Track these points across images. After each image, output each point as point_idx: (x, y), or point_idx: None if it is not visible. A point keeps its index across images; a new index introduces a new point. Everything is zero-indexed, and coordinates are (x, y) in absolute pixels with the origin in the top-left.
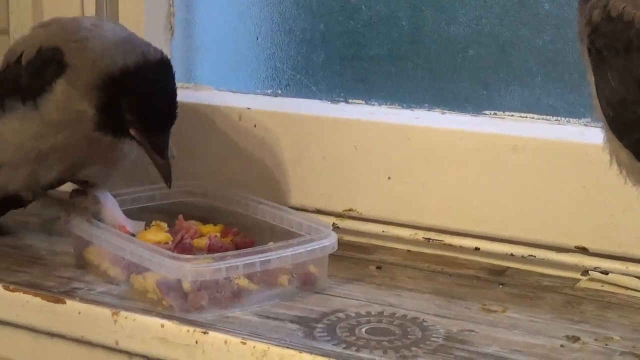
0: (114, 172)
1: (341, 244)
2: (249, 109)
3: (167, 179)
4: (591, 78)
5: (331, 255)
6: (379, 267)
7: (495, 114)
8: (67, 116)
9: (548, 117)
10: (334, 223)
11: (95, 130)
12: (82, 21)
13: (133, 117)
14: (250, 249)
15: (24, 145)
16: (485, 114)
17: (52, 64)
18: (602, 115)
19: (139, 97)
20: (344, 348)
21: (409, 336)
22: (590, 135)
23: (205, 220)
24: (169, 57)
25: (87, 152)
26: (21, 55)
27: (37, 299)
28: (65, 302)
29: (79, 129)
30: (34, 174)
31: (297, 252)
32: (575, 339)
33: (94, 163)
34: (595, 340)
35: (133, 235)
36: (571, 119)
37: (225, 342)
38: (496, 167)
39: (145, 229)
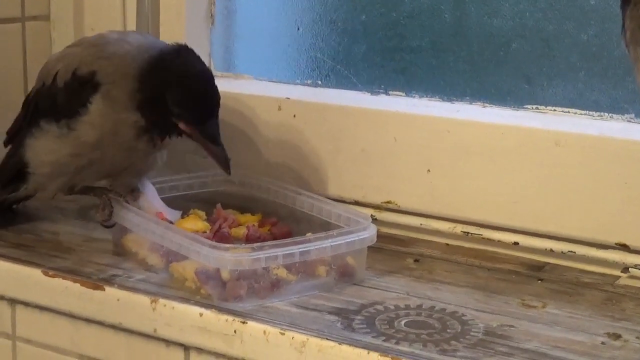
0: (145, 177)
1: (379, 236)
2: (289, 99)
3: (226, 166)
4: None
5: (369, 247)
6: (416, 260)
7: (537, 108)
8: (103, 133)
9: (591, 113)
10: (372, 215)
11: (138, 138)
12: (108, 36)
13: (180, 108)
14: (289, 240)
15: (60, 163)
16: (527, 108)
17: (88, 86)
18: None
19: (181, 86)
20: (384, 340)
21: (448, 330)
22: (633, 132)
23: (243, 210)
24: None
25: (122, 163)
26: (56, 75)
27: (77, 285)
28: (104, 289)
29: (117, 142)
30: (68, 184)
31: (336, 243)
32: (617, 337)
33: (128, 173)
34: (637, 338)
35: (171, 223)
36: (614, 115)
37: (264, 332)
38: (537, 162)
39: (183, 218)
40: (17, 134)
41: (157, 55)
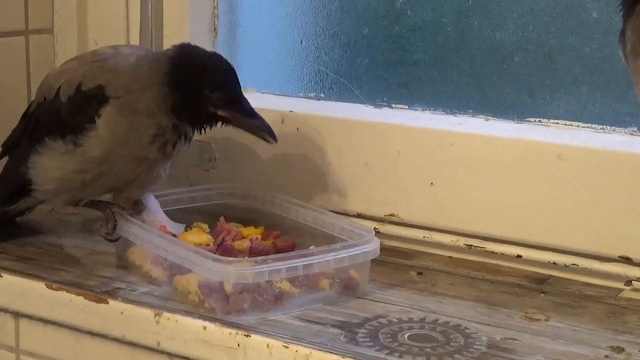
0: (149, 191)
1: (382, 249)
2: (292, 112)
3: (272, 134)
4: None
5: (372, 260)
6: (420, 273)
7: (540, 121)
8: (112, 146)
9: (593, 126)
10: (375, 228)
11: (151, 145)
12: (104, 52)
13: (219, 92)
14: (292, 253)
15: (66, 179)
16: (529, 121)
17: (94, 100)
18: None
19: (214, 69)
20: (387, 354)
21: (451, 343)
22: (636, 145)
23: (246, 223)
24: None
25: (128, 176)
26: (59, 90)
27: (80, 298)
28: (107, 302)
29: (127, 153)
30: (73, 199)
31: (339, 256)
32: (620, 350)
33: (132, 187)
34: None
35: (174, 236)
36: (617, 128)
37: (268, 345)
38: (540, 174)
39: (186, 231)
40: (15, 147)
41: (176, 56)
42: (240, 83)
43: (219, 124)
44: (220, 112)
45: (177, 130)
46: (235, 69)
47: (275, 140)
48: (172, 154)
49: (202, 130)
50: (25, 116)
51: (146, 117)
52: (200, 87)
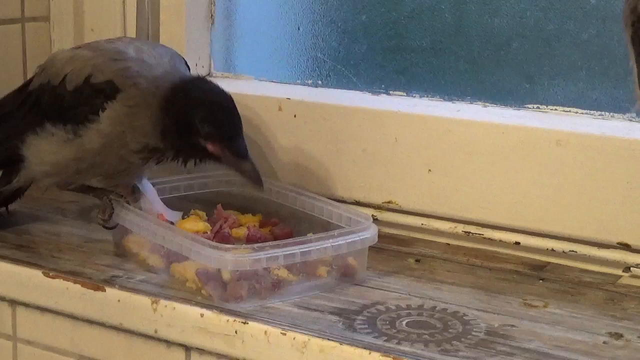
0: (144, 178)
1: (380, 236)
2: (289, 99)
3: (258, 183)
4: (634, 68)
5: (370, 248)
6: (418, 260)
7: (538, 107)
8: (108, 142)
9: (592, 112)
10: (373, 215)
11: (136, 155)
12: (125, 51)
13: (209, 125)
14: (290, 240)
15: (61, 164)
16: (528, 107)
17: (102, 96)
18: None
19: (210, 104)
20: (385, 341)
21: (449, 330)
22: (635, 131)
23: (243, 210)
24: None
25: (120, 167)
26: (65, 77)
27: (77, 286)
28: (105, 290)
29: (117, 151)
30: (64, 181)
31: (337, 243)
32: (619, 336)
33: (125, 175)
34: (639, 337)
35: (172, 223)
36: (615, 114)
37: (265, 332)
38: (538, 161)
39: (184, 218)
40: (6, 117)
41: (179, 82)
42: (242, 127)
43: (208, 160)
44: (209, 148)
45: (160, 152)
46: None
47: (262, 190)
48: (153, 164)
49: (193, 163)
50: (23, 91)
51: (139, 132)
52: (192, 118)
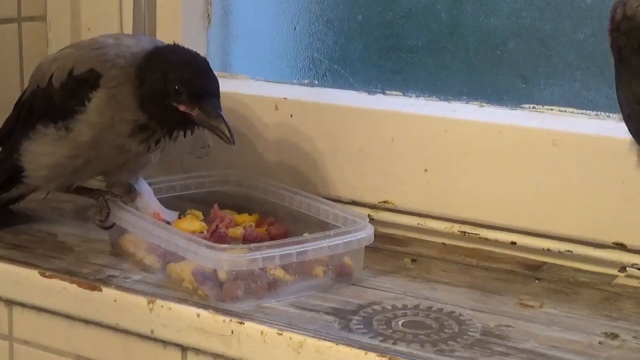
0: (139, 175)
1: (376, 236)
2: (286, 98)
3: (228, 137)
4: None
5: (366, 247)
6: (414, 260)
7: (534, 107)
8: (99, 131)
9: (588, 112)
10: (369, 215)
11: (132, 137)
12: (103, 41)
13: (179, 84)
14: (286, 240)
15: (58, 164)
16: (524, 107)
17: (86, 86)
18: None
19: (181, 64)
20: (381, 341)
21: (445, 330)
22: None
23: (240, 210)
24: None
25: (117, 162)
26: (51, 77)
27: (74, 286)
28: (101, 290)
29: (111, 141)
30: (64, 184)
31: (333, 243)
32: (614, 336)
33: (122, 171)
34: (634, 337)
35: (168, 223)
36: (611, 114)
37: (262, 332)
38: (534, 161)
39: (180, 218)
40: (9, 136)
41: (153, 48)
42: (219, 87)
43: (187, 125)
44: (181, 108)
45: (150, 128)
46: (210, 62)
47: (233, 143)
48: (154, 149)
49: (176, 132)
50: (18, 105)
51: (126, 110)
52: (163, 80)
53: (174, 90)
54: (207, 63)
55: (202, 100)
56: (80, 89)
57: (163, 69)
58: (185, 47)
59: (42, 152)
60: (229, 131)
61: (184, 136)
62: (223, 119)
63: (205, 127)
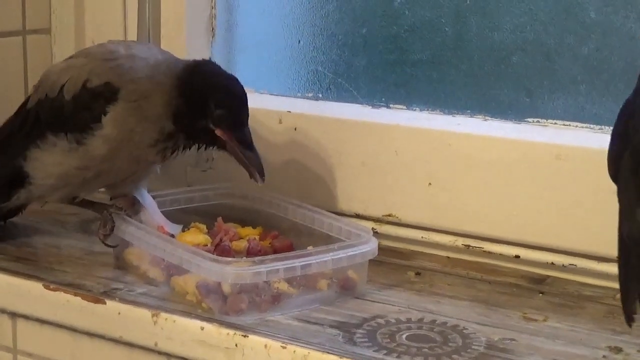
0: (143, 187)
1: (380, 249)
2: (290, 112)
3: (261, 172)
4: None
5: (370, 261)
6: (418, 274)
7: (538, 121)
8: (116, 145)
9: (592, 126)
10: (373, 228)
11: (151, 148)
12: (116, 50)
13: (223, 110)
14: (290, 253)
15: (67, 175)
16: (528, 121)
17: (101, 99)
18: None
19: (226, 89)
20: (385, 354)
21: (449, 344)
22: None
23: (244, 223)
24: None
25: (127, 173)
26: (62, 87)
27: (77, 299)
28: (105, 303)
29: (128, 153)
30: (70, 193)
31: (337, 257)
32: (618, 350)
33: (128, 183)
34: (639, 351)
35: (172, 236)
36: None
37: (266, 345)
38: (538, 175)
39: (184, 231)
40: (9, 142)
41: (193, 64)
42: (249, 118)
43: (215, 146)
44: (218, 132)
45: (174, 138)
46: (237, 78)
47: (263, 180)
48: (169, 159)
49: (198, 146)
50: (21, 112)
51: (152, 121)
52: (206, 100)
53: (217, 115)
54: (244, 89)
55: (240, 132)
56: (95, 102)
57: (208, 90)
58: (220, 67)
59: (51, 162)
60: (261, 166)
61: (203, 150)
62: (256, 153)
63: (237, 158)
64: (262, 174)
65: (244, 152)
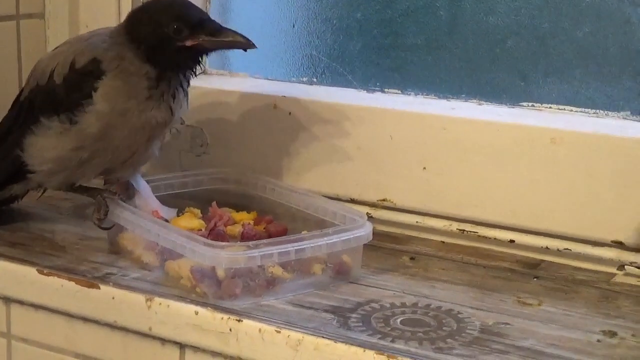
0: (139, 170)
1: (374, 234)
2: (284, 96)
3: (244, 39)
4: None
5: (364, 245)
6: (412, 258)
7: (533, 105)
8: (110, 119)
9: (586, 110)
10: (367, 213)
11: (150, 99)
12: (87, 34)
13: (176, 24)
14: (284, 238)
15: (62, 158)
16: (522, 105)
17: (90, 77)
18: None
19: (165, 6)
20: (379, 338)
21: (444, 328)
22: (629, 129)
23: (238, 208)
24: None
25: (125, 154)
26: (52, 73)
27: (72, 284)
28: (99, 287)
29: (126, 122)
30: (68, 180)
31: (331, 241)
32: (612, 334)
33: (127, 166)
34: (633, 335)
35: (166, 220)
36: (610, 112)
37: (260, 330)
38: (533, 159)
39: (178, 216)
40: (7, 135)
41: (129, 12)
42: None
43: (200, 57)
44: (188, 43)
45: (163, 78)
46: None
47: (254, 45)
48: (174, 110)
49: (189, 72)
50: (16, 104)
51: (136, 74)
52: (159, 27)
53: (174, 30)
54: None
55: (203, 27)
56: (84, 81)
57: (153, 18)
58: None
59: (46, 146)
60: (243, 37)
61: (194, 75)
62: (230, 30)
63: (219, 47)
64: (249, 43)
65: (222, 40)
